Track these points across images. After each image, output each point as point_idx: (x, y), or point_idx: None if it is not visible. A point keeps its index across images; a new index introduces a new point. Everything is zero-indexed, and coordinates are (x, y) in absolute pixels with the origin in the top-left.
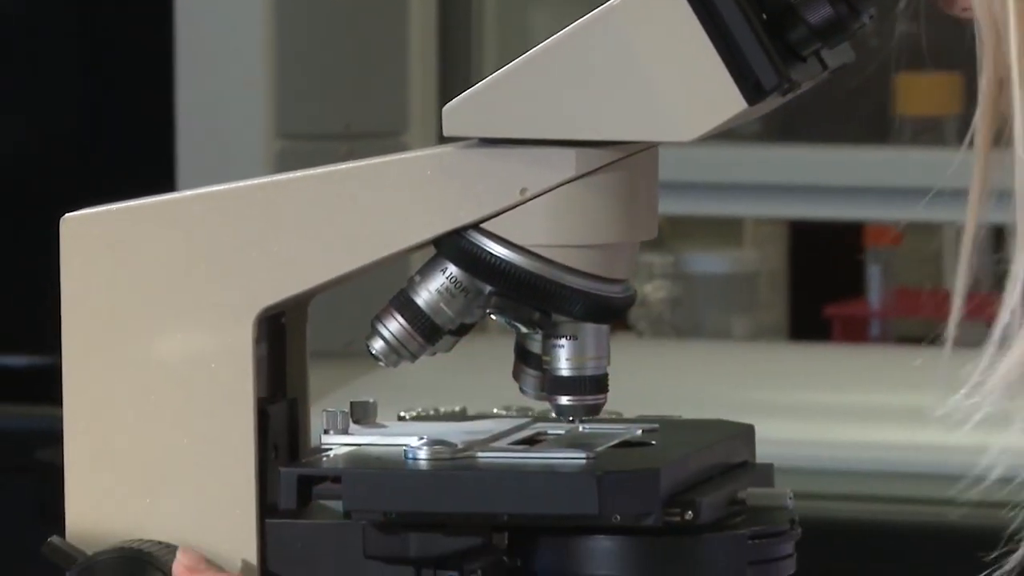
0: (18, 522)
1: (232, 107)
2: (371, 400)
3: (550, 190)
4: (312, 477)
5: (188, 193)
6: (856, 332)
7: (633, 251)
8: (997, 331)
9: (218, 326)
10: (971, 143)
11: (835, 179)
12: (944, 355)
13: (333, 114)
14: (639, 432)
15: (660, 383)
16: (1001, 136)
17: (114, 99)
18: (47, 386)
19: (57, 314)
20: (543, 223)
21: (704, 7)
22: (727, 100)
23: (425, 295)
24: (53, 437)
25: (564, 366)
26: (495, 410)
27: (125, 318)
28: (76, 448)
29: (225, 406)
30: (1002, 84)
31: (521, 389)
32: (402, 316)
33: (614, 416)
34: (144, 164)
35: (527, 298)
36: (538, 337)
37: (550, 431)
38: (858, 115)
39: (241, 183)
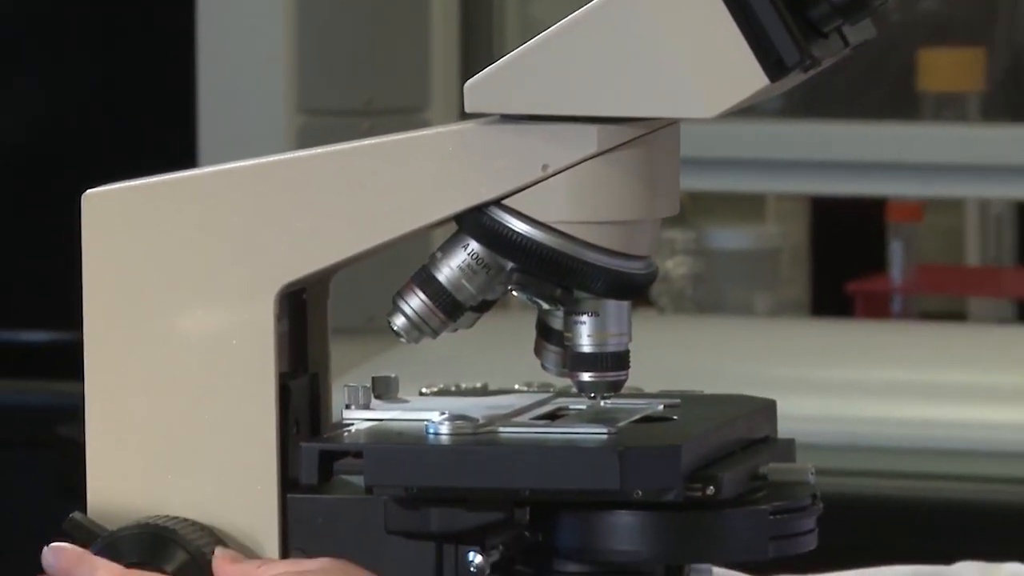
0: (40, 497)
1: (253, 83)
2: (393, 375)
3: (572, 166)
4: (333, 452)
5: (209, 169)
6: (878, 308)
7: (655, 227)
8: None
9: (239, 302)
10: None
11: (857, 155)
12: None
13: (355, 90)
14: (661, 407)
15: (682, 359)
16: None
17: (135, 75)
18: (69, 362)
19: (79, 290)
20: (565, 199)
21: None
22: (749, 77)
23: (447, 271)
24: (74, 413)
25: (586, 342)
26: (516, 386)
27: (146, 294)
28: (97, 424)
29: (246, 382)
30: None
31: (543, 365)
32: (424, 292)
33: (635, 392)
34: (165, 140)
35: (548, 274)
36: (560, 313)
37: (571, 406)
38: (880, 91)
39: (262, 159)
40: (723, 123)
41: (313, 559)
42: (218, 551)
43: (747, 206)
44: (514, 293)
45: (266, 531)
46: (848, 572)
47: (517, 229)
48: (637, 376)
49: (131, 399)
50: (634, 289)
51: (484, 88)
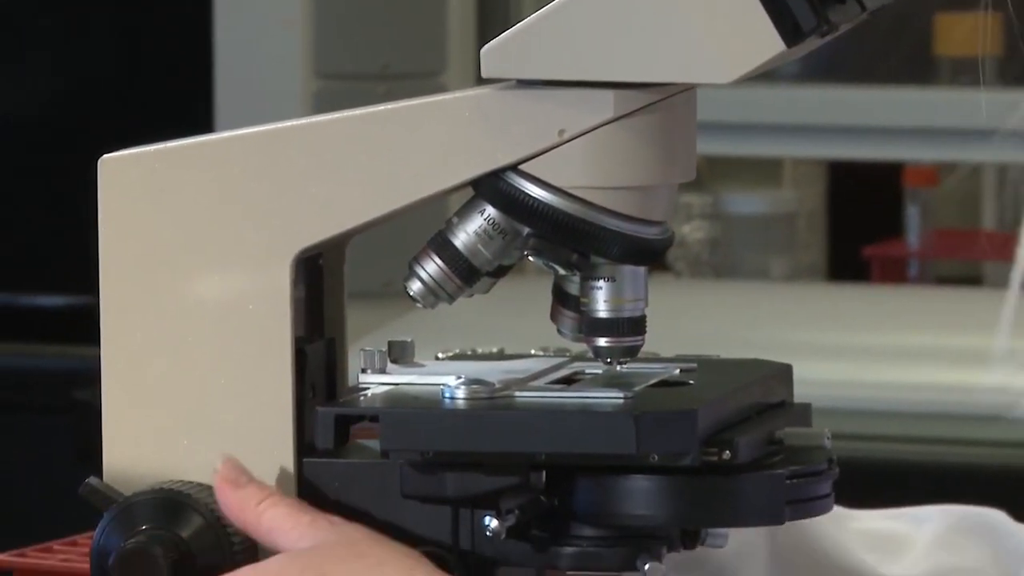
0: (56, 462)
1: (270, 47)
2: (409, 339)
3: (588, 132)
4: (349, 416)
5: (226, 134)
6: (894, 272)
7: (671, 193)
8: None
9: (256, 267)
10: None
11: (874, 119)
12: (1011, 297)
13: (371, 54)
14: (677, 372)
15: (698, 323)
16: None
17: (153, 40)
18: (85, 326)
19: (95, 254)
20: (581, 165)
21: None
22: (766, 42)
23: (463, 237)
24: (91, 377)
25: (602, 308)
26: (533, 351)
27: (163, 259)
28: (114, 389)
29: (263, 347)
30: None
31: (559, 331)
32: (440, 258)
33: (651, 356)
34: (182, 105)
35: (565, 240)
36: (576, 279)
37: (588, 371)
38: (897, 55)
39: (279, 124)
40: (740, 88)
41: (319, 521)
42: (221, 468)
43: (764, 171)
44: (530, 258)
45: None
46: (878, 511)
47: (533, 194)
48: (653, 341)
49: (147, 364)
50: (651, 255)
51: (501, 53)
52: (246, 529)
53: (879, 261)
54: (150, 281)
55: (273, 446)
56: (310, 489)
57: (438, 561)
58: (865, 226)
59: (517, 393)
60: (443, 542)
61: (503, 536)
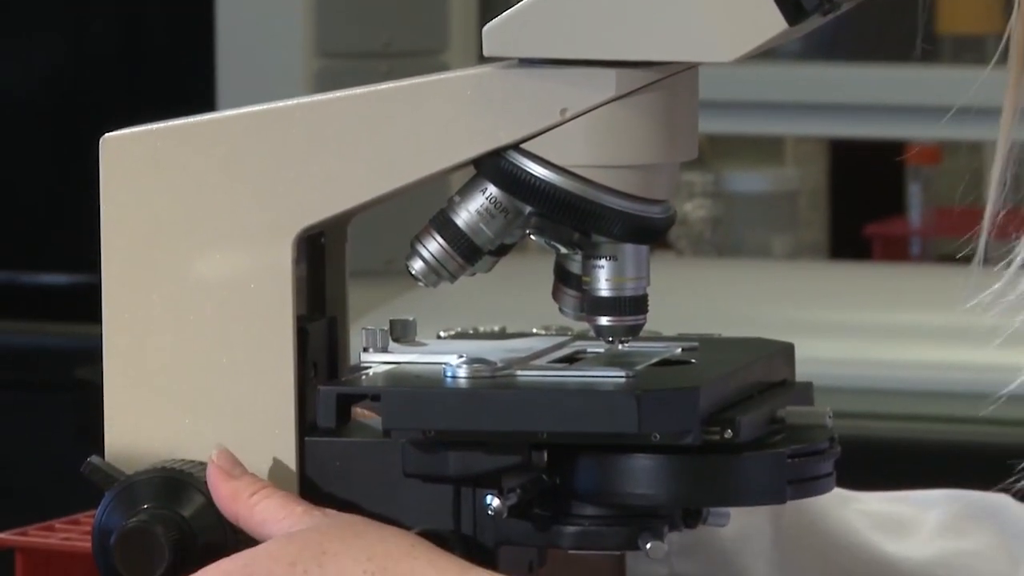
0: (58, 440)
1: (272, 26)
2: (411, 318)
3: (590, 110)
4: (351, 395)
5: (228, 113)
6: (896, 250)
7: (673, 171)
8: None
9: (257, 246)
10: (1005, 57)
11: (875, 97)
12: (973, 270)
13: (373, 33)
14: (679, 350)
15: (700, 302)
16: None
17: (154, 18)
18: (87, 304)
19: (97, 233)
20: (583, 143)
21: None
22: (768, 21)
23: (465, 215)
24: (93, 355)
25: (604, 287)
26: (534, 330)
27: (165, 238)
28: (115, 367)
29: (264, 325)
30: None
31: (560, 309)
32: (441, 236)
33: (653, 335)
34: (184, 83)
35: (567, 218)
36: (578, 258)
37: (589, 349)
38: (899, 33)
39: (281, 103)
40: (742, 66)
41: (312, 511)
42: (215, 458)
43: (766, 149)
44: (532, 237)
45: (284, 474)
46: (882, 493)
47: (535, 173)
48: (655, 319)
49: (148, 342)
50: (653, 233)
51: (503, 32)
52: (238, 520)
53: (881, 239)
54: (152, 260)
55: (275, 425)
56: (311, 468)
57: (438, 541)
58: (867, 204)
59: (519, 372)
60: (444, 521)
61: (505, 515)
